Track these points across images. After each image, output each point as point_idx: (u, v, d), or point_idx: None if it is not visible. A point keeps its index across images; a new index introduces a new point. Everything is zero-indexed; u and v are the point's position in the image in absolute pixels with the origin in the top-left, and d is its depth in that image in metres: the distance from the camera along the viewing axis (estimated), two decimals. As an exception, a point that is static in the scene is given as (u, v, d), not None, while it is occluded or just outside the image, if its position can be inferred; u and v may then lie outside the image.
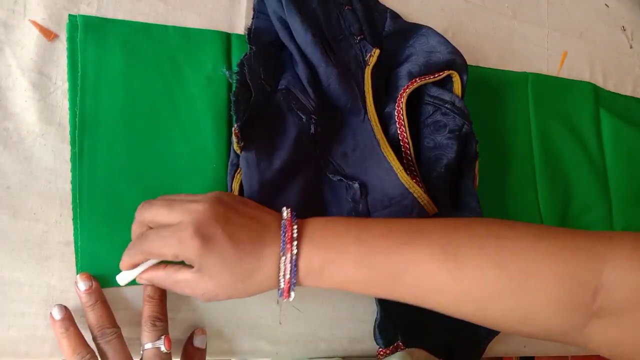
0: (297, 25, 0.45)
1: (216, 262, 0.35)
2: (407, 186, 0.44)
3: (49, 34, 0.43)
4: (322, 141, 0.47)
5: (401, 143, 0.48)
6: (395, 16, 0.55)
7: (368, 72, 0.49)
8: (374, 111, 0.48)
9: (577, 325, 0.33)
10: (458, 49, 0.51)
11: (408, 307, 0.51)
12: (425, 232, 0.37)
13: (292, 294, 0.37)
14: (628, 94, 0.71)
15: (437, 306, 0.37)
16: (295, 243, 0.36)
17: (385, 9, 0.55)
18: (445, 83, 0.51)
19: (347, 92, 0.47)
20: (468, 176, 0.51)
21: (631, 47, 0.73)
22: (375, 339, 0.50)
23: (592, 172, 0.64)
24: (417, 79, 0.49)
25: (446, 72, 0.50)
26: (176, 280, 0.37)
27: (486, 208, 0.51)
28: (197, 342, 0.44)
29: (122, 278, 0.40)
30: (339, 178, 0.46)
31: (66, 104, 0.43)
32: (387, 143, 0.46)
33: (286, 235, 0.36)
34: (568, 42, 0.68)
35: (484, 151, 0.52)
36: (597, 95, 0.68)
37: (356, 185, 0.45)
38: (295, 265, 0.36)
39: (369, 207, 0.46)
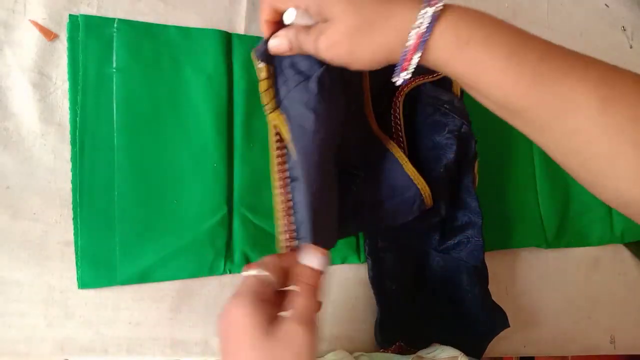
0: None
1: (343, 2, 0.33)
2: (412, 177, 0.44)
3: (49, 34, 0.43)
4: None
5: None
6: None
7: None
8: (370, 108, 0.48)
9: None
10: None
11: (408, 307, 0.51)
12: (583, 57, 0.33)
13: (415, 62, 0.33)
14: (628, 94, 0.71)
15: (564, 135, 0.33)
16: (441, 4, 0.32)
17: None
18: (445, 83, 0.51)
19: (345, 88, 0.47)
20: (468, 176, 0.51)
21: (631, 47, 0.73)
22: (376, 339, 0.50)
23: (592, 172, 0.64)
24: (416, 78, 0.49)
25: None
26: (306, 34, 0.35)
27: (486, 208, 0.51)
28: (314, 262, 0.36)
29: (289, 15, 0.36)
30: (342, 167, 0.46)
31: (66, 104, 0.43)
32: (388, 139, 0.46)
33: None
34: (568, 42, 0.67)
35: (484, 151, 0.52)
36: (597, 95, 0.68)
37: (361, 174, 0.45)
38: (433, 21, 0.32)
39: (372, 198, 0.46)
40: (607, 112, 0.31)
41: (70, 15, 0.44)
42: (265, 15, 0.37)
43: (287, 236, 0.39)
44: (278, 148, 0.40)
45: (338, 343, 0.51)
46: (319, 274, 0.35)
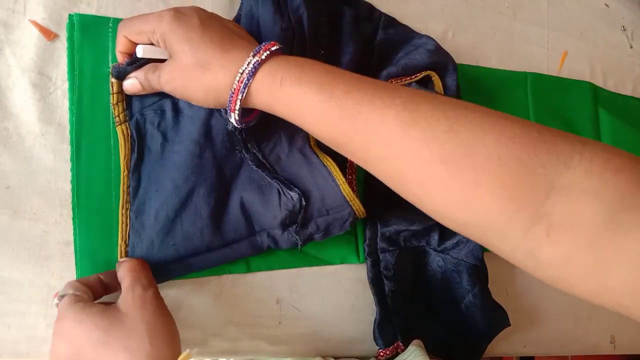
0: (267, 15, 0.43)
1: (182, 37, 0.36)
2: (348, 199, 0.44)
3: (49, 34, 0.43)
4: (250, 138, 0.45)
5: None
6: (386, 26, 0.53)
7: None
8: None
9: (519, 225, 0.28)
10: (456, 49, 0.51)
11: (408, 307, 0.51)
12: (393, 86, 0.34)
13: (238, 105, 0.36)
14: (628, 93, 0.71)
15: (378, 164, 0.34)
16: (268, 52, 0.35)
17: (380, 17, 0.53)
18: (428, 84, 0.51)
19: None
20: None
21: (631, 47, 0.73)
22: (375, 340, 0.50)
23: (592, 172, 0.64)
24: (393, 80, 0.49)
25: (423, 73, 0.50)
26: (152, 73, 0.39)
27: (486, 208, 0.51)
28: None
29: (139, 50, 0.40)
30: (275, 180, 0.44)
31: (66, 104, 0.43)
32: (325, 156, 0.46)
33: (266, 45, 0.36)
34: (568, 42, 0.68)
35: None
36: (596, 94, 0.68)
37: (296, 196, 0.43)
38: (256, 67, 0.35)
39: (306, 214, 0.44)
40: (409, 135, 0.31)
41: (70, 15, 0.44)
42: (119, 47, 0.41)
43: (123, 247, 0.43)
44: (124, 157, 0.43)
45: (337, 343, 0.51)
46: (134, 263, 0.40)
